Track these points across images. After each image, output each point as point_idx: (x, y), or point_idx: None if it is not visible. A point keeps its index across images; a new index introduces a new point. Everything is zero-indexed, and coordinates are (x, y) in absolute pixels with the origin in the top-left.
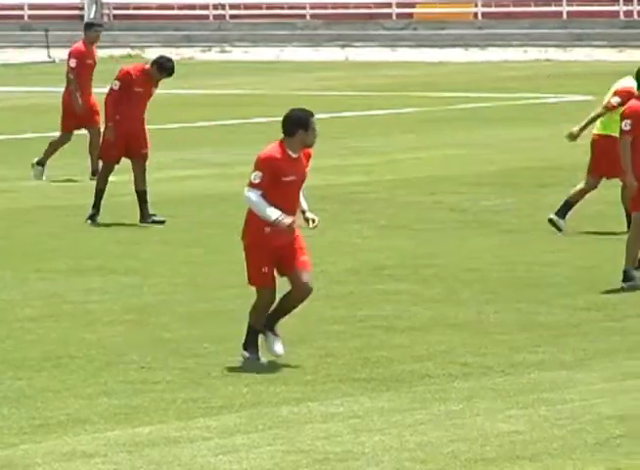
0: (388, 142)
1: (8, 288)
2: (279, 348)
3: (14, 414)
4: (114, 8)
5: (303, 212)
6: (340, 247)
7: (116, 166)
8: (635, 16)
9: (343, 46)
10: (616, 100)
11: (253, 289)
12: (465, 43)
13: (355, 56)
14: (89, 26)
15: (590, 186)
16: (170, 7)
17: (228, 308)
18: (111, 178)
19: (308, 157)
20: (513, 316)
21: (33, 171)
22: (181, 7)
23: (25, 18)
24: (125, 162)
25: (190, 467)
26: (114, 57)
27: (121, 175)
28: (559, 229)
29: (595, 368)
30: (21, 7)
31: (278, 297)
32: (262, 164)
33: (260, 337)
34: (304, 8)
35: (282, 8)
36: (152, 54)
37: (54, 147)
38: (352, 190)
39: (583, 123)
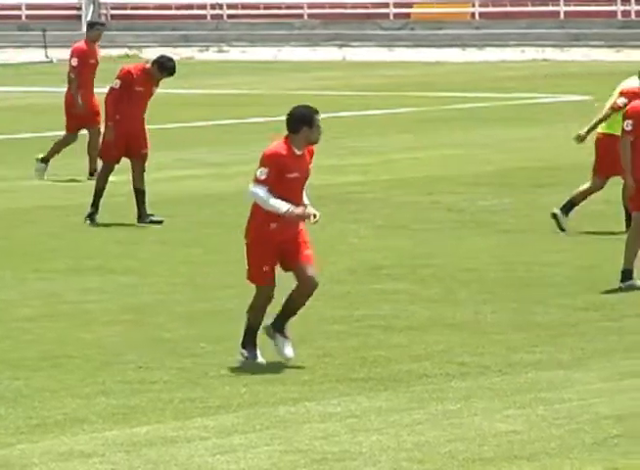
0: (385, 142)
1: (6, 288)
2: (289, 351)
3: (11, 414)
4: (112, 8)
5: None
6: (337, 247)
7: (116, 166)
8: (633, 16)
9: (341, 46)
10: (622, 101)
11: (252, 287)
12: (462, 43)
13: (353, 56)
14: (91, 25)
15: (596, 187)
16: (168, 7)
17: (226, 308)
18: (110, 178)
19: (311, 154)
20: (510, 316)
21: (36, 166)
22: (179, 7)
23: (23, 18)
24: (125, 161)
25: (187, 467)
26: (111, 57)
27: (121, 175)
28: (560, 226)
29: (593, 368)
30: (18, 7)
31: (278, 297)
32: (268, 160)
33: (272, 343)
34: (302, 8)
35: (279, 8)
36: (149, 54)
37: (58, 146)
38: (349, 190)
39: (591, 125)
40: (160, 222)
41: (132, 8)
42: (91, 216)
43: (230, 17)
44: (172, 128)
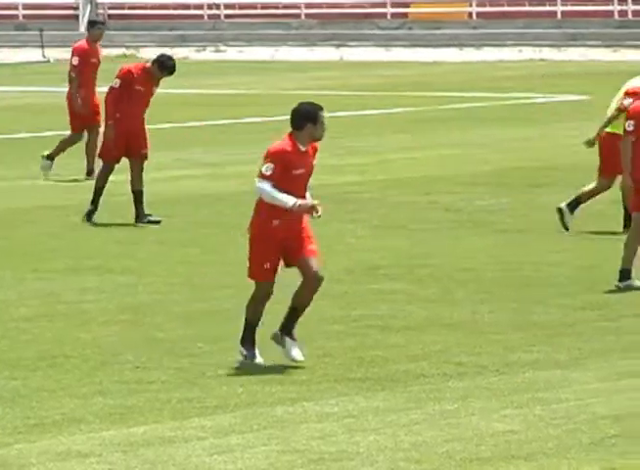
0: (382, 142)
1: (5, 288)
2: (296, 353)
3: (8, 414)
4: (109, 8)
5: None
6: (334, 246)
7: (116, 166)
8: (629, 15)
9: (338, 46)
10: (628, 101)
11: (249, 287)
12: (460, 43)
13: (350, 55)
14: (92, 24)
15: (603, 187)
16: (165, 7)
17: (224, 308)
18: (110, 178)
19: (315, 150)
20: (507, 316)
21: (41, 164)
22: (176, 7)
23: (20, 17)
24: (125, 161)
25: (184, 467)
26: (109, 56)
27: (120, 175)
28: (564, 223)
29: (590, 368)
30: (15, 7)
31: (277, 294)
32: (274, 156)
33: (279, 348)
34: (299, 7)
35: (277, 7)
36: (147, 54)
37: (64, 145)
38: (346, 190)
39: (599, 128)
40: (157, 222)
41: (129, 8)
42: (89, 215)
43: (227, 16)
44: (170, 128)
